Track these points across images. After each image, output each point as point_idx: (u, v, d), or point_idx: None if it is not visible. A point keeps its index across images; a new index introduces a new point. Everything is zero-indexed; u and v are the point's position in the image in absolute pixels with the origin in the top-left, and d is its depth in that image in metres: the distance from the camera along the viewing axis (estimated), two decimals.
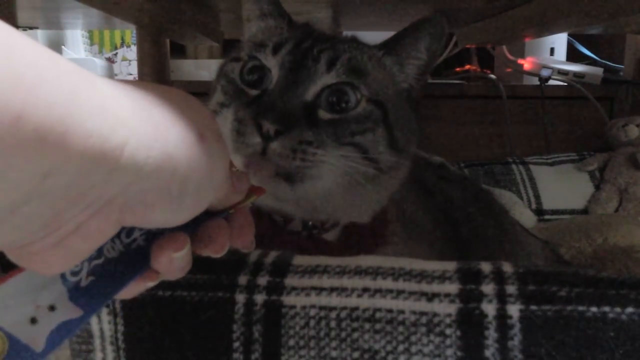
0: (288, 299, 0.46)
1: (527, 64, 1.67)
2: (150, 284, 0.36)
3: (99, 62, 1.93)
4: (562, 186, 1.33)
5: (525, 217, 1.21)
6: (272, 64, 0.59)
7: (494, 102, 1.66)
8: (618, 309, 0.41)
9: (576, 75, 1.63)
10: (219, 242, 0.38)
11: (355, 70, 0.59)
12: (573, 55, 1.79)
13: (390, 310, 0.44)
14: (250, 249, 0.42)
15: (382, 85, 0.61)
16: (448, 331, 0.43)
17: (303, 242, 0.61)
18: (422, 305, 0.44)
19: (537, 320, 0.42)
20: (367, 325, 0.44)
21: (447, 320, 0.43)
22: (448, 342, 0.43)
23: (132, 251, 0.35)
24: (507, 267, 0.45)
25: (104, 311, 0.49)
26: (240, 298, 0.46)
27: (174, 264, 0.35)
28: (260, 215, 0.61)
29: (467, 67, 1.82)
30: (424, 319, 0.44)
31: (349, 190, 0.58)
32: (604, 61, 1.77)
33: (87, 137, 0.23)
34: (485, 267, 0.46)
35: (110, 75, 2.01)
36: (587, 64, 1.73)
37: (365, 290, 0.45)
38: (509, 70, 1.76)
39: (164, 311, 0.47)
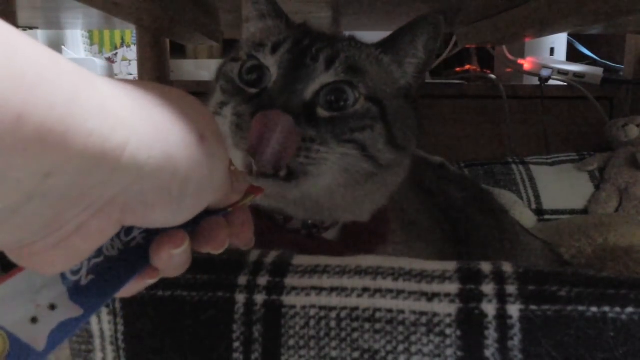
0: (288, 299, 0.46)
1: (527, 64, 1.67)
2: (150, 281, 0.36)
3: (99, 62, 1.93)
4: (562, 186, 1.33)
5: (525, 217, 1.21)
6: (271, 63, 0.59)
7: (494, 102, 1.66)
8: (618, 309, 0.41)
9: (576, 75, 1.63)
10: (219, 240, 0.38)
11: (354, 68, 0.59)
12: (573, 55, 1.79)
13: (390, 310, 0.44)
14: (250, 246, 0.42)
15: (380, 84, 0.61)
16: (448, 331, 0.43)
17: (302, 241, 0.61)
18: (422, 305, 0.44)
19: (537, 320, 0.42)
20: (367, 325, 0.44)
21: (447, 320, 0.43)
22: (448, 342, 0.43)
23: (131, 249, 0.35)
24: (507, 267, 0.45)
25: (104, 311, 0.49)
26: (240, 298, 0.46)
27: (174, 261, 0.35)
28: (260, 215, 0.61)
29: (467, 67, 1.82)
30: (424, 319, 0.44)
31: (349, 187, 0.58)
32: (604, 61, 1.77)
33: (87, 137, 0.23)
34: (485, 267, 0.46)
35: (110, 75, 2.01)
36: (587, 64, 1.73)
37: (365, 290, 0.45)
38: (509, 70, 1.76)
39: (164, 311, 0.47)
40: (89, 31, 2.14)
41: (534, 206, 1.30)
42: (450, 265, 0.46)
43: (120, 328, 0.48)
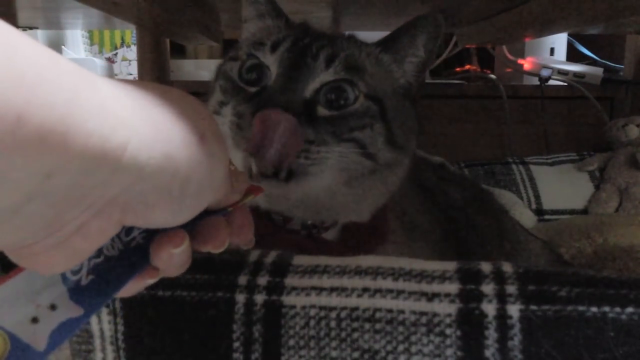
0: (288, 299, 0.46)
1: (527, 64, 1.67)
2: (151, 281, 0.36)
3: (99, 62, 1.93)
4: (562, 186, 1.33)
5: (525, 217, 1.21)
6: (271, 61, 0.59)
7: (494, 102, 1.66)
8: (618, 309, 0.41)
9: (576, 75, 1.63)
10: (219, 238, 0.38)
11: (354, 67, 0.59)
12: (573, 55, 1.79)
13: (390, 310, 0.44)
14: (251, 245, 0.42)
15: (379, 82, 0.61)
16: (448, 331, 0.43)
17: (302, 241, 0.61)
18: (422, 305, 0.44)
19: (537, 320, 0.42)
20: (367, 325, 0.44)
21: (447, 320, 0.43)
22: (448, 342, 0.43)
23: (131, 249, 0.35)
24: (507, 267, 0.45)
25: (104, 311, 0.49)
26: (240, 298, 0.46)
27: (174, 260, 0.35)
28: (259, 215, 0.61)
29: (467, 67, 1.82)
30: (424, 319, 0.44)
31: (349, 186, 0.58)
32: (604, 61, 1.77)
33: (88, 137, 0.23)
34: (485, 267, 0.46)
35: (110, 75, 2.01)
36: (587, 64, 1.73)
37: (365, 290, 0.45)
38: (509, 70, 1.76)
39: (164, 311, 0.47)
40: (89, 31, 2.14)
41: (534, 206, 1.30)
42: (450, 265, 0.46)
43: (120, 328, 0.48)
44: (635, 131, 1.36)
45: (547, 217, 1.29)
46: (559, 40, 1.74)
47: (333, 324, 0.45)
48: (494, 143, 1.68)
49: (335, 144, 0.55)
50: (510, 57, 1.73)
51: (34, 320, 0.31)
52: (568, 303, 0.42)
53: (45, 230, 0.26)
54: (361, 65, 0.60)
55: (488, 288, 0.44)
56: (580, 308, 0.42)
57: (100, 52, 2.18)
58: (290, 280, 0.47)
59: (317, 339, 0.45)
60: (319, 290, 0.46)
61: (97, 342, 0.49)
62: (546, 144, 1.63)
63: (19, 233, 0.25)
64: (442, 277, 0.45)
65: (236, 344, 0.46)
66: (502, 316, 0.43)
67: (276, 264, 0.48)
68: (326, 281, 0.46)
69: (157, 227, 0.32)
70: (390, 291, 0.45)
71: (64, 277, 0.32)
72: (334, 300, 0.45)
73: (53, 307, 0.31)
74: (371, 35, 0.67)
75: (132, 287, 0.35)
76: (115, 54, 2.16)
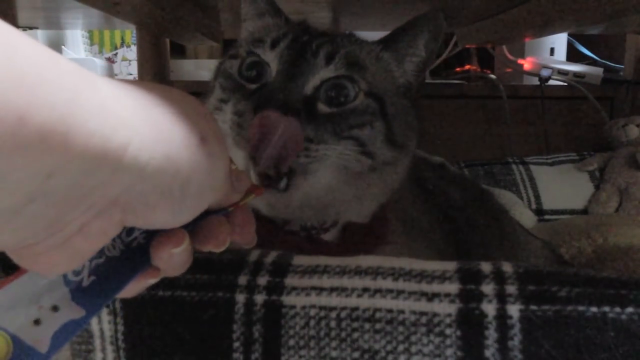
0: (288, 299, 0.46)
1: (527, 64, 1.67)
2: (152, 281, 0.36)
3: (99, 62, 1.93)
4: (562, 186, 1.33)
5: (525, 217, 1.21)
6: (271, 58, 0.59)
7: (494, 102, 1.66)
8: (618, 309, 0.41)
9: (576, 75, 1.63)
10: (220, 238, 0.38)
11: (354, 64, 0.59)
12: (573, 55, 1.79)
13: (390, 310, 0.44)
14: (252, 245, 0.42)
15: (380, 80, 0.61)
16: (448, 331, 0.43)
17: (301, 243, 0.60)
18: (422, 305, 0.44)
19: (537, 320, 0.42)
20: (367, 325, 0.44)
21: (447, 320, 0.43)
22: (448, 342, 0.43)
23: (132, 250, 0.35)
24: (507, 267, 0.45)
25: (104, 311, 0.49)
26: (240, 298, 0.46)
27: (174, 260, 0.35)
28: (258, 217, 0.61)
29: (467, 67, 1.82)
30: (424, 319, 0.44)
31: (348, 185, 0.58)
32: (604, 61, 1.77)
33: (89, 137, 0.23)
34: (485, 267, 0.46)
35: (110, 75, 2.01)
36: (587, 64, 1.73)
37: (365, 290, 0.45)
38: (509, 70, 1.76)
39: (164, 311, 0.47)
40: (89, 31, 2.14)
41: (534, 206, 1.30)
42: (450, 265, 0.46)
43: (120, 328, 0.48)
44: (635, 131, 1.36)
45: (547, 217, 1.29)
46: (559, 40, 1.74)
47: (333, 324, 0.45)
48: (494, 143, 1.68)
49: (335, 141, 0.55)
50: (510, 57, 1.73)
51: (37, 322, 0.31)
52: (568, 303, 0.42)
53: (46, 230, 0.26)
54: (361, 63, 0.60)
55: (488, 288, 0.44)
56: (580, 308, 0.42)
57: (100, 52, 2.18)
58: (290, 280, 0.47)
59: (317, 339, 0.45)
60: (319, 290, 0.46)
61: (97, 342, 0.49)
62: (546, 144, 1.63)
63: (20, 233, 0.25)
64: (442, 277, 0.45)
65: (236, 344, 0.46)
66: (502, 316, 0.43)
67: (276, 264, 0.48)
68: (326, 281, 0.46)
69: (158, 227, 0.32)
70: (390, 291, 0.45)
71: (65, 278, 0.32)
72: (334, 300, 0.45)
73: (55, 308, 0.31)
74: (371, 36, 0.67)
75: (134, 288, 0.35)
76: (115, 54, 2.16)
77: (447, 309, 0.43)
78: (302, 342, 0.45)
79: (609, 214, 1.25)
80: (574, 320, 0.42)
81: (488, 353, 0.43)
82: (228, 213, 0.39)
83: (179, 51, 1.91)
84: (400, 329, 0.44)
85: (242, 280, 0.47)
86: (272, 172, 0.53)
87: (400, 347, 0.44)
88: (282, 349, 0.45)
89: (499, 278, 0.44)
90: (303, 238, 0.61)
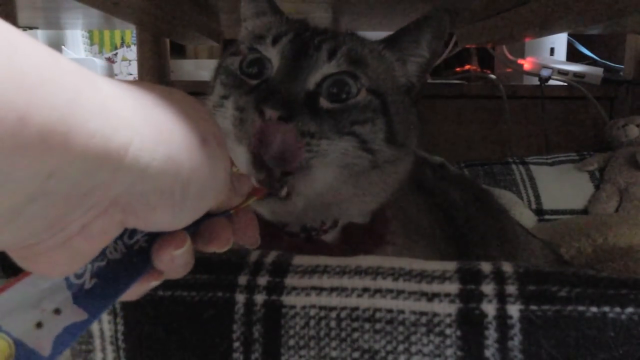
0: (288, 299, 0.46)
1: (527, 64, 1.67)
2: (154, 283, 0.36)
3: (99, 62, 1.93)
4: (562, 186, 1.33)
5: (525, 217, 1.21)
6: (273, 54, 0.59)
7: (494, 102, 1.66)
8: (618, 309, 0.41)
9: (576, 75, 1.63)
10: (223, 238, 0.38)
11: (356, 60, 0.59)
12: (573, 55, 1.79)
13: (390, 310, 0.44)
14: (256, 245, 0.42)
15: (382, 78, 0.61)
16: (448, 331, 0.43)
17: (301, 245, 0.60)
18: (422, 305, 0.44)
19: (537, 320, 0.42)
20: (367, 325, 0.44)
21: (447, 320, 0.43)
22: (448, 342, 0.43)
23: (134, 252, 0.35)
24: (507, 267, 0.45)
25: None
26: (240, 298, 0.46)
27: (176, 262, 0.35)
28: (258, 218, 0.61)
29: (467, 67, 1.82)
30: (424, 319, 0.44)
31: (349, 183, 0.58)
32: (604, 61, 1.77)
33: (90, 137, 0.23)
34: (485, 267, 0.46)
35: (110, 75, 2.01)
36: (587, 64, 1.73)
37: (365, 290, 0.45)
38: (509, 70, 1.76)
39: (164, 311, 0.47)
40: (89, 31, 2.14)
41: (534, 206, 1.30)
42: (450, 265, 0.46)
43: (120, 328, 0.48)
44: (635, 131, 1.36)
45: (547, 217, 1.29)
46: (559, 40, 1.74)
47: (333, 324, 0.45)
48: (494, 143, 1.68)
49: (337, 137, 0.55)
50: (510, 57, 1.73)
51: (39, 325, 0.31)
52: (568, 303, 0.42)
53: (47, 230, 0.26)
54: (364, 60, 0.60)
55: (488, 288, 0.44)
56: (580, 308, 0.42)
57: (100, 52, 2.18)
58: (290, 280, 0.47)
59: (317, 339, 0.45)
60: (319, 290, 0.46)
61: (97, 342, 0.49)
62: (546, 144, 1.63)
63: (21, 233, 0.25)
64: (442, 277, 0.45)
65: (236, 344, 0.46)
66: (502, 316, 0.43)
67: (276, 264, 0.48)
68: (326, 281, 0.46)
69: (159, 229, 0.32)
70: (390, 291, 0.45)
71: (67, 281, 0.32)
72: (334, 300, 0.45)
73: (57, 311, 0.31)
74: (371, 36, 0.67)
75: (136, 290, 0.35)
76: (115, 54, 2.16)
77: (447, 309, 0.43)
78: (302, 342, 0.45)
79: (609, 214, 1.25)
80: (574, 320, 0.42)
81: (488, 353, 0.43)
82: (230, 216, 0.39)
83: (179, 51, 1.91)
84: (400, 329, 0.44)
85: (242, 280, 0.47)
86: (273, 180, 0.53)
87: (400, 347, 0.44)
88: (282, 349, 0.45)
89: (499, 278, 0.44)
90: (303, 239, 0.61)
